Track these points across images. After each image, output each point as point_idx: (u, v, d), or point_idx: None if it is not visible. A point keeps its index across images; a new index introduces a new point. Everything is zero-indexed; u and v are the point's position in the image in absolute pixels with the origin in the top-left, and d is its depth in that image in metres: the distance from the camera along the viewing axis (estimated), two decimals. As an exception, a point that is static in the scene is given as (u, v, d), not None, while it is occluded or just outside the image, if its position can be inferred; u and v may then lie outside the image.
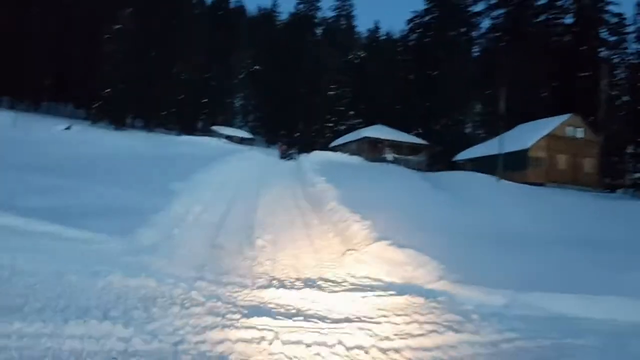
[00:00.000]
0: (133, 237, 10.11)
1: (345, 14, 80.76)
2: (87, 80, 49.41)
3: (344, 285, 8.85)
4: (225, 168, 23.79)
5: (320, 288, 8.55)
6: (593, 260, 13.49)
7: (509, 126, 40.62)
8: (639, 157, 50.43)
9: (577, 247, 15.44)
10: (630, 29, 54.09)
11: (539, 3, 55.87)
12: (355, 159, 39.14)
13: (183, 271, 8.65)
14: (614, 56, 56.31)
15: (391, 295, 8.29)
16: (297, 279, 9.02)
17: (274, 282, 8.70)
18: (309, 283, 8.80)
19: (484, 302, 8.30)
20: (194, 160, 24.95)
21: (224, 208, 15.20)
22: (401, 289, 8.64)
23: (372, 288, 8.73)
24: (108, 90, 48.92)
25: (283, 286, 8.40)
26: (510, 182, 32.10)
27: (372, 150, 46.67)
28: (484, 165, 37.93)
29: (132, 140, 36.04)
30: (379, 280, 9.31)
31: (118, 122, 51.34)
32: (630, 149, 50.62)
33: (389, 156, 45.30)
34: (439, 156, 51.79)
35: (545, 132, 37.94)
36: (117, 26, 49.84)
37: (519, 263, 12.07)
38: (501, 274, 10.63)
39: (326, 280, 9.09)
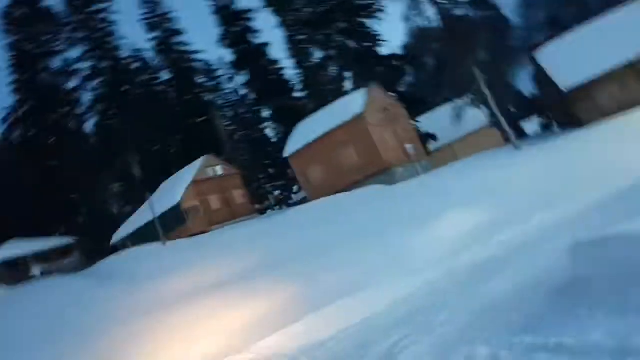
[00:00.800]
0: None
1: None
2: None
3: None
4: None
5: None
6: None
7: (152, 188, 38.90)
8: (271, 179, 55.83)
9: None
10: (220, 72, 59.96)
11: (135, 66, 56.16)
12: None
13: None
14: (218, 98, 60.97)
15: None
16: None
17: None
18: None
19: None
20: None
21: None
22: None
23: None
24: None
25: None
26: (176, 241, 30.30)
27: (13, 271, 38.55)
28: (144, 235, 35.14)
29: None
30: None
31: None
32: (264, 174, 55.72)
33: (37, 271, 38.30)
34: (95, 247, 46.50)
35: (189, 180, 37.51)
36: None
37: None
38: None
39: None
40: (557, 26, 40.52)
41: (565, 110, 29.47)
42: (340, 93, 44.54)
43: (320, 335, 10.26)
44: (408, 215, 18.03)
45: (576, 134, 25.46)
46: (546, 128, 41.52)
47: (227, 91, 60.95)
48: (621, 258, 6.25)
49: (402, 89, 45.82)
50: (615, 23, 26.46)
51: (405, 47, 49.97)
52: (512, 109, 40.76)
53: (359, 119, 32.24)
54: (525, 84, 52.22)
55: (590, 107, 25.86)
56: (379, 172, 31.71)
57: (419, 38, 47.62)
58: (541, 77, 31.84)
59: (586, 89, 25.96)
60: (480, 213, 16.56)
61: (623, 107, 24.63)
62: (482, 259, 12.45)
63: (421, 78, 49.98)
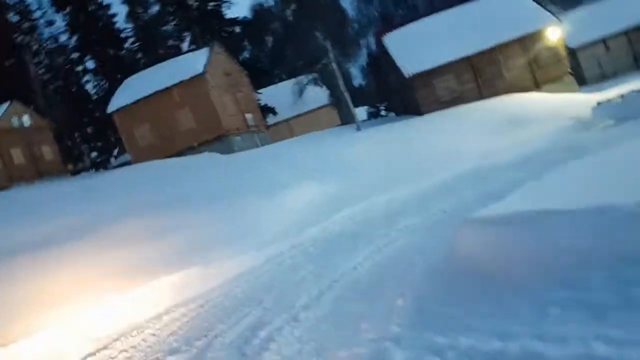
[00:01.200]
0: None
1: None
2: None
3: None
4: None
5: None
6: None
7: None
8: (89, 138, 50.22)
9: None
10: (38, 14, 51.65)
11: None
12: None
13: None
14: (33, 41, 52.63)
15: None
16: None
17: None
18: None
19: None
20: None
21: None
22: None
23: None
24: None
25: None
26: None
27: None
28: None
29: None
30: None
31: None
32: (80, 133, 49.82)
33: None
34: None
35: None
36: None
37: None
38: None
39: None
40: (389, 23, 41.86)
41: (404, 97, 30.37)
42: (177, 51, 41.16)
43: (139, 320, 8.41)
44: (253, 185, 16.59)
45: (414, 121, 26.23)
46: (373, 115, 41.95)
47: (44, 35, 52.94)
48: (517, 240, 5.45)
49: (244, 57, 43.89)
50: (457, 18, 27.78)
51: (250, 17, 48.26)
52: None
53: (198, 79, 29.62)
54: (355, 75, 54.14)
55: (428, 96, 26.82)
56: (216, 138, 29.60)
57: (264, 12, 46.16)
58: (382, 64, 32.50)
59: (426, 78, 26.85)
60: (328, 187, 15.80)
61: (458, 98, 25.98)
62: (335, 232, 11.56)
63: (264, 49, 48.59)
